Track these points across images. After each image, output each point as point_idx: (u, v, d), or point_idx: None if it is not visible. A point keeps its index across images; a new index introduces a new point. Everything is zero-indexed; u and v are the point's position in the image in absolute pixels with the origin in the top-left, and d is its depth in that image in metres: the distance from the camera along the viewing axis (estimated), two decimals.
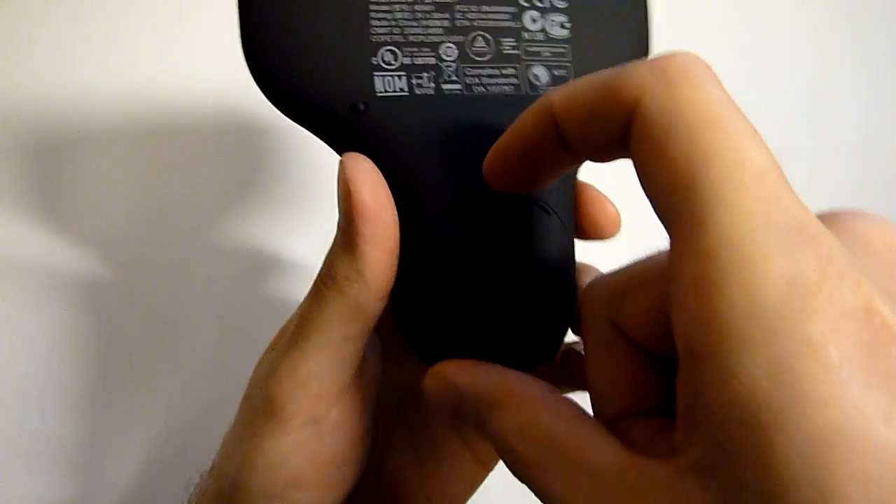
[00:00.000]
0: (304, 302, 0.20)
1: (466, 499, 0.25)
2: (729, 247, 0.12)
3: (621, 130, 0.14)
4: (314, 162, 0.37)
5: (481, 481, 0.25)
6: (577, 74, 0.21)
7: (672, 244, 0.13)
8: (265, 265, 0.37)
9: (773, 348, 0.11)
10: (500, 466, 0.18)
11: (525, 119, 0.17)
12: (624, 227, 0.23)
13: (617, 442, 0.15)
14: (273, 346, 0.22)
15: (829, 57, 0.46)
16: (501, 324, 0.20)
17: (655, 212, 0.14)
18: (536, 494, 0.15)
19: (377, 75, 0.20)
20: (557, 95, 0.16)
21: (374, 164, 0.19)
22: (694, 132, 0.13)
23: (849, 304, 0.12)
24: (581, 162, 0.18)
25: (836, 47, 0.46)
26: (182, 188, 0.37)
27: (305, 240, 0.37)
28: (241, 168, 0.38)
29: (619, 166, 0.16)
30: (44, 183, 0.36)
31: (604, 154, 0.16)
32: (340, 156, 0.19)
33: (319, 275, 0.20)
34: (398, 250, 0.19)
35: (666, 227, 0.14)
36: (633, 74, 0.14)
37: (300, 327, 0.20)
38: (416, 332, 0.20)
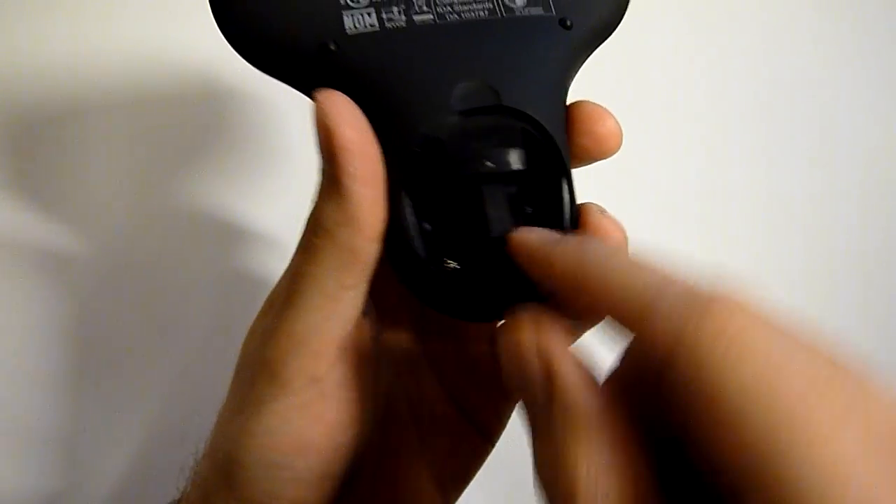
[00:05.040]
0: (294, 259, 0.20)
1: (472, 473, 0.24)
2: None
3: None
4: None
5: (486, 455, 0.24)
6: None
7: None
8: (256, 239, 0.37)
9: None
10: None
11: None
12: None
13: None
14: (265, 312, 0.21)
15: (829, 56, 0.45)
16: (490, 258, 0.19)
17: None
18: None
19: (346, 14, 0.19)
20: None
21: (349, 99, 0.18)
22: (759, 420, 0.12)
23: None
24: None
25: (836, 46, 0.46)
26: (177, 169, 0.36)
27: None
28: (233, 141, 0.37)
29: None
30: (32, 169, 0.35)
31: None
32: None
33: (307, 227, 0.19)
34: (384, 186, 0.19)
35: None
36: (667, 321, 0.13)
37: (294, 283, 0.19)
38: (411, 272, 0.19)
